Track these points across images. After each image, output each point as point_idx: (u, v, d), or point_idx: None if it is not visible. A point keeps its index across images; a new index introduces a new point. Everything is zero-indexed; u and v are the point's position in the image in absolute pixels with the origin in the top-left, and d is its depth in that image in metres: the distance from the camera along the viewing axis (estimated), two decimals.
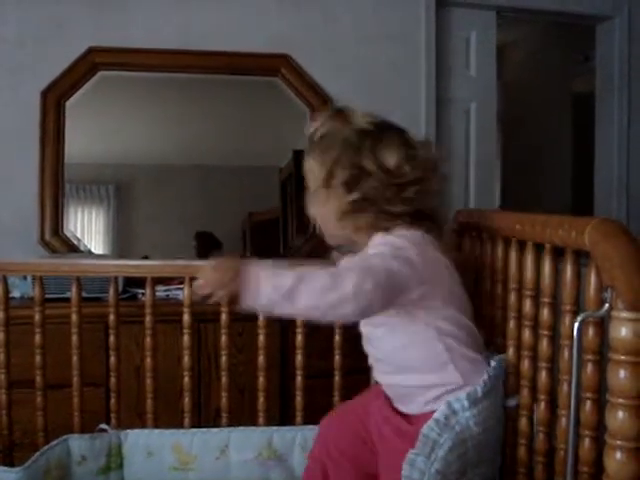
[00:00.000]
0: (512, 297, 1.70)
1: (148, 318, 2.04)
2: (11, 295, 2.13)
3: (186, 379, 2.09)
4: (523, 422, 1.64)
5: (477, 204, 3.57)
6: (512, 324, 1.70)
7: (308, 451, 1.89)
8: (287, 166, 3.30)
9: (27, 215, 3.07)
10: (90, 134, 3.20)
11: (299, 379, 2.12)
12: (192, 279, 2.08)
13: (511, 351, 1.68)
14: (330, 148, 1.53)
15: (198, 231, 3.30)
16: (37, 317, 2.06)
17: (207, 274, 1.41)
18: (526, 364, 1.63)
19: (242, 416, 2.23)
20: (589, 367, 1.37)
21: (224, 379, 2.09)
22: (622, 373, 1.21)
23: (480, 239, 1.92)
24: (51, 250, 3.08)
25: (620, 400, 1.21)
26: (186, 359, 2.08)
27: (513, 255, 1.69)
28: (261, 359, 2.10)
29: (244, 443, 2.03)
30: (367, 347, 1.65)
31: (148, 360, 2.09)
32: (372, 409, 1.68)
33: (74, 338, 2.07)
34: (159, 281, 2.54)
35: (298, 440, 2.04)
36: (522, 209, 1.79)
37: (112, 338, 2.08)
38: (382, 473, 1.61)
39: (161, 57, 3.17)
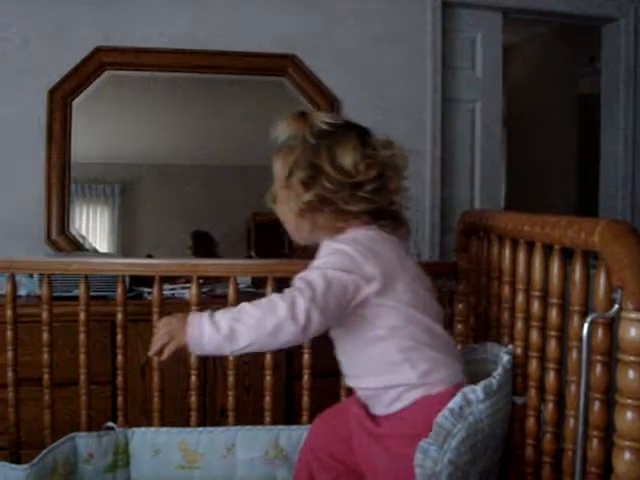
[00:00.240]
0: (520, 298, 1.71)
1: (155, 317, 2.04)
2: (17, 293, 2.13)
3: (193, 378, 2.09)
4: (531, 422, 1.65)
5: (482, 204, 3.57)
6: (520, 325, 1.70)
7: None
8: None
9: (33, 214, 3.07)
10: (96, 133, 3.21)
11: (306, 378, 2.12)
12: (200, 278, 2.11)
13: (519, 351, 1.69)
14: (291, 149, 1.57)
15: (194, 230, 3.31)
16: (45, 315, 2.06)
17: (160, 332, 1.48)
18: (534, 364, 1.64)
19: (247, 415, 2.24)
20: (598, 368, 1.37)
21: (230, 378, 2.10)
22: (631, 374, 1.21)
23: (488, 240, 1.92)
24: (57, 249, 3.08)
25: (629, 401, 1.22)
26: (192, 358, 2.08)
27: (522, 256, 1.69)
28: (268, 358, 2.10)
29: (251, 442, 2.03)
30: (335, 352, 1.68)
31: (155, 358, 2.09)
32: (350, 414, 1.69)
33: (82, 336, 2.07)
34: (165, 280, 2.54)
35: (304, 439, 2.04)
36: (527, 209, 1.79)
37: (120, 337, 2.08)
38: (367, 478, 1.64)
39: (168, 57, 3.17)
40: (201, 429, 2.06)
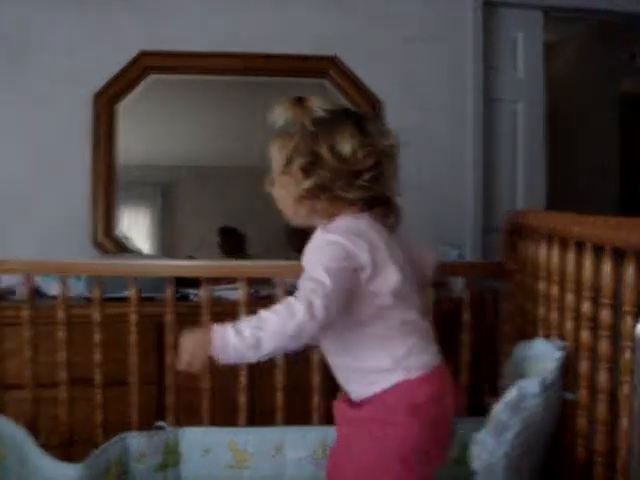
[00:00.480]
0: (569, 297, 1.70)
1: (205, 318, 2.07)
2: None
3: (242, 378, 2.11)
4: (581, 422, 1.64)
5: (524, 204, 3.55)
6: (570, 325, 1.70)
7: None
8: None
9: (80, 216, 3.12)
10: (138, 136, 3.25)
11: None
12: (248, 279, 2.13)
13: (569, 350, 1.68)
14: (289, 135, 1.59)
15: (221, 227, 3.32)
16: (96, 316, 2.10)
17: (187, 348, 1.48)
18: (585, 364, 1.63)
19: (293, 415, 2.25)
20: None
21: (279, 377, 2.11)
22: None
23: (534, 240, 1.92)
24: (103, 250, 3.12)
25: None
26: None
27: (571, 257, 1.69)
28: (316, 359, 2.12)
29: (299, 442, 2.05)
30: None
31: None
32: (337, 412, 1.70)
33: (132, 337, 2.11)
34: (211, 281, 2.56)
35: None
36: (569, 209, 1.79)
37: (170, 337, 2.11)
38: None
39: (209, 60, 3.21)
40: (250, 429, 2.08)
